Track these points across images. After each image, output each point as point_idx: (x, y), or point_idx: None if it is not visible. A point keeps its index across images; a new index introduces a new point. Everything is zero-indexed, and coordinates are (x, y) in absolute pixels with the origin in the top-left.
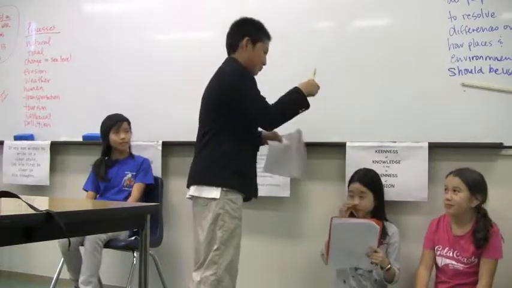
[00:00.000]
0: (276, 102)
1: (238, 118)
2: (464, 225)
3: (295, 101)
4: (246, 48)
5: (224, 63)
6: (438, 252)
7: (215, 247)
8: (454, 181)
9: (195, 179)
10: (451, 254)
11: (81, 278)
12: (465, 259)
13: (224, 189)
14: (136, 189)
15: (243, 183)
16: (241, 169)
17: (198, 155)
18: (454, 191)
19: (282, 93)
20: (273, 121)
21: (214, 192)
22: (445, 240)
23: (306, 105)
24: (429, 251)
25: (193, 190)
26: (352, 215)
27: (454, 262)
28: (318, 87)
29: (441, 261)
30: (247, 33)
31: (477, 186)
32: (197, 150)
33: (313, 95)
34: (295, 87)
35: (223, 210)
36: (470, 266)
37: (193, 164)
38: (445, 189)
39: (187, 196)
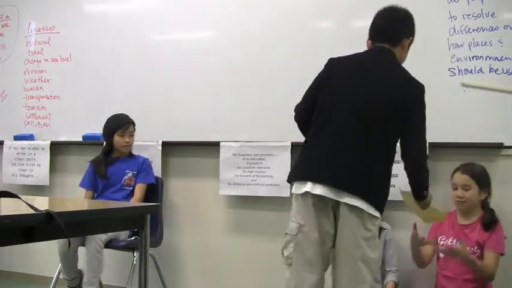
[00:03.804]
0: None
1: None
2: (472, 216)
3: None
4: (405, 49)
5: (392, 59)
6: (442, 242)
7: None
8: (463, 179)
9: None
10: (455, 243)
11: (85, 279)
12: (469, 248)
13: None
14: (140, 190)
15: None
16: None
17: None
18: (465, 188)
19: (282, 93)
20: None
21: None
22: (450, 230)
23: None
24: (432, 240)
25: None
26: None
27: None
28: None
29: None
30: (413, 33)
31: (484, 180)
32: (367, 157)
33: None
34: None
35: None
36: (473, 256)
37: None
38: (454, 188)
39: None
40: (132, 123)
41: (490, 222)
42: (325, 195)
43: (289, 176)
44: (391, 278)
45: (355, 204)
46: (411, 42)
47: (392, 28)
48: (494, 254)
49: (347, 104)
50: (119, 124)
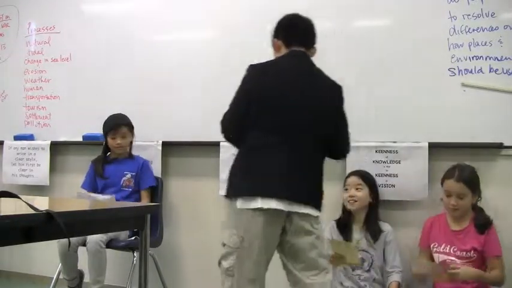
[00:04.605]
0: None
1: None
2: (464, 220)
3: None
4: (315, 54)
5: (312, 63)
6: (434, 249)
7: None
8: (458, 187)
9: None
10: (448, 250)
11: (89, 279)
12: (464, 253)
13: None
14: (146, 196)
15: None
16: None
17: (311, 170)
18: (459, 197)
19: None
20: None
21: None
22: (441, 236)
23: None
24: (425, 250)
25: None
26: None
27: (451, 258)
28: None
29: (438, 257)
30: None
31: (476, 183)
32: (309, 164)
33: None
34: None
35: None
36: (469, 261)
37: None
38: (447, 195)
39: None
40: (126, 124)
41: (484, 223)
42: (280, 208)
43: (232, 191)
44: (395, 278)
45: (307, 211)
46: (315, 50)
47: (308, 33)
48: (498, 258)
49: (284, 112)
50: (110, 126)
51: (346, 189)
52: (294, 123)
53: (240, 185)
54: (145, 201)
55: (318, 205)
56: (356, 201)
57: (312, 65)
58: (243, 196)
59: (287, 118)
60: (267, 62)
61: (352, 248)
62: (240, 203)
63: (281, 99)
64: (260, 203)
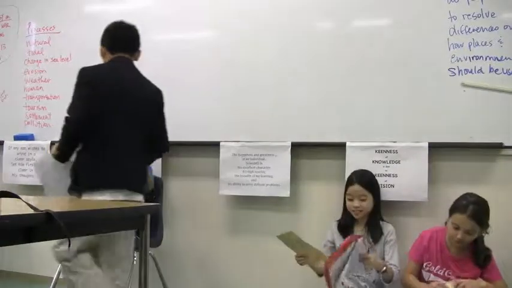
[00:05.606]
0: None
1: None
2: (465, 249)
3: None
4: (138, 59)
5: (136, 68)
6: (427, 268)
7: None
8: (470, 225)
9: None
10: (441, 273)
11: None
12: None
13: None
14: None
15: None
16: None
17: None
18: (469, 233)
19: (282, 93)
20: None
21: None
22: (438, 257)
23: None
24: (417, 264)
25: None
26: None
27: (442, 281)
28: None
29: (428, 277)
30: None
31: (487, 220)
32: (136, 153)
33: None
34: None
35: None
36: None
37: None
38: (455, 228)
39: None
40: None
41: (484, 258)
42: (124, 199)
43: (77, 187)
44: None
45: (138, 199)
46: (140, 53)
47: (130, 39)
48: (501, 280)
49: (120, 112)
50: None
51: (351, 199)
52: (123, 121)
53: (86, 180)
54: None
55: (144, 191)
56: (361, 210)
57: (134, 70)
58: (89, 190)
59: (117, 117)
60: (97, 66)
61: (308, 247)
62: (84, 197)
63: (108, 102)
64: (107, 195)
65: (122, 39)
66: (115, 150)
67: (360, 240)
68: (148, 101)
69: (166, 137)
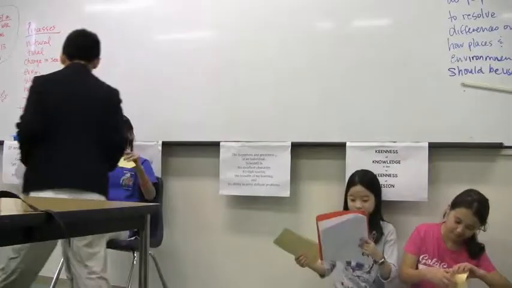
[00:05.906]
0: None
1: None
2: (460, 242)
3: None
4: (97, 66)
5: (91, 73)
6: (423, 261)
7: None
8: (472, 220)
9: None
10: (437, 266)
11: None
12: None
13: None
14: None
15: None
16: None
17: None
18: (469, 228)
19: (282, 93)
20: None
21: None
22: (435, 251)
23: None
24: (414, 256)
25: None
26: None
27: None
28: None
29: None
30: (100, 54)
31: (486, 218)
32: (89, 154)
33: None
34: None
35: None
36: None
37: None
38: (457, 221)
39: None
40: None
41: (478, 250)
42: (72, 198)
43: (26, 187)
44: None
45: (95, 198)
46: (99, 60)
47: (89, 48)
48: (496, 271)
49: (70, 115)
50: None
51: (353, 200)
52: (73, 122)
53: (33, 180)
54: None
55: (103, 191)
56: (363, 211)
57: (87, 74)
58: (35, 190)
59: (68, 119)
60: (51, 74)
61: (305, 242)
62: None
63: (62, 102)
64: (52, 194)
65: (80, 47)
66: (64, 152)
67: (363, 217)
68: (99, 101)
69: (118, 136)
